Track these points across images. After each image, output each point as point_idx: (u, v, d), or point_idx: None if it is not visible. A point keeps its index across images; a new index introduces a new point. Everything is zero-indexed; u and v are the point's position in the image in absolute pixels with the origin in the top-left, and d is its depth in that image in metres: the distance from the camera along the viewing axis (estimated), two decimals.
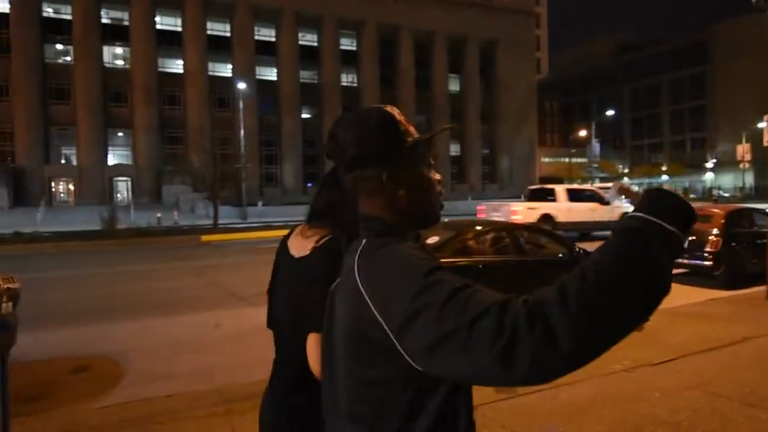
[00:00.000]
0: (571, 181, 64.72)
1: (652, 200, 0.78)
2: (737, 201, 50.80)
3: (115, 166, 39.68)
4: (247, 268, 11.87)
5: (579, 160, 60.98)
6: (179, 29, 40.88)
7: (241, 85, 33.15)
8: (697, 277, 9.16)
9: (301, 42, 44.65)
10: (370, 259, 0.94)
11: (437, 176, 1.05)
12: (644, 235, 0.74)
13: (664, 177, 69.15)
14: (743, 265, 8.64)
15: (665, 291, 0.73)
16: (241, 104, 33.38)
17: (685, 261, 8.96)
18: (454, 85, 50.94)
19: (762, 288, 7.61)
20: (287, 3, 42.55)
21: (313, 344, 1.31)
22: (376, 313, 0.86)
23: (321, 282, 1.23)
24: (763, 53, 62.43)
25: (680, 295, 8.12)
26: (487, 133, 52.11)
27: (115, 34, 39.65)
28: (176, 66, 41.31)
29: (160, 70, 40.53)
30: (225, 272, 11.24)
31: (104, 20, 39.38)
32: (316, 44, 45.53)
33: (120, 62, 40.53)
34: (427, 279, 0.82)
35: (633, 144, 77.88)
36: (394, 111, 1.04)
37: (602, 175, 67.78)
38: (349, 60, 46.34)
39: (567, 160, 60.18)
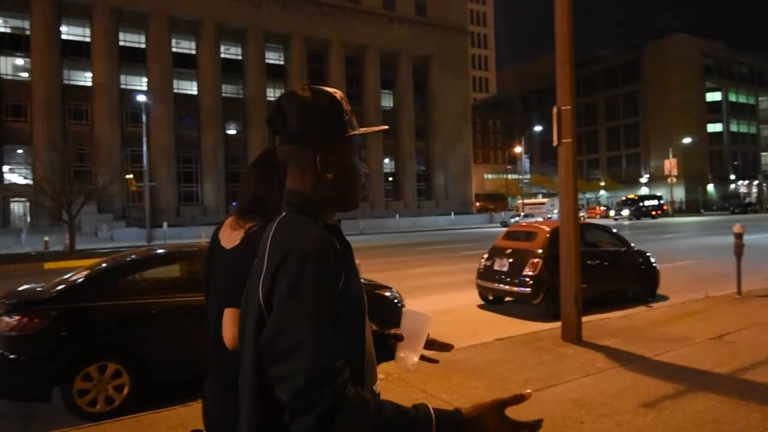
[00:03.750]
0: (510, 197, 64.78)
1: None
2: (667, 215, 51.47)
3: (10, 185, 36.42)
4: None
5: (516, 176, 61.04)
6: (87, 39, 38.30)
7: (141, 98, 30.88)
8: (527, 307, 7.77)
9: (224, 55, 42.71)
10: (284, 231, 0.99)
11: (366, 169, 1.13)
12: None
13: (602, 192, 70.23)
14: None
15: None
16: (144, 118, 31.06)
17: (506, 287, 7.56)
18: (387, 101, 49.95)
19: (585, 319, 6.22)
20: (207, 15, 40.61)
21: (227, 318, 1.39)
22: (262, 278, 0.95)
23: (244, 266, 1.28)
24: (686, 72, 64.60)
25: (483, 330, 6.67)
26: (421, 150, 51.21)
27: (15, 43, 36.74)
28: (84, 78, 38.61)
29: (66, 82, 37.75)
30: None
31: (2, 29, 36.49)
32: (240, 57, 43.70)
33: (23, 74, 37.55)
34: (310, 289, 0.90)
35: None
36: (343, 99, 1.09)
37: (543, 190, 68.27)
38: (276, 74, 44.65)
39: (505, 176, 60.15)
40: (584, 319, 6.64)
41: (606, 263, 7.88)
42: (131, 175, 38.64)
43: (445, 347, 1.30)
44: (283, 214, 1.04)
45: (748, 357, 4.71)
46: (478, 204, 64.56)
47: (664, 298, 8.53)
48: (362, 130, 1.11)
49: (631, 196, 52.46)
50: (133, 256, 4.79)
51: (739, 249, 7.46)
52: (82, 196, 22.39)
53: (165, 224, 31.31)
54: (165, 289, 4.70)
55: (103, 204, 36.78)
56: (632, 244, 8.36)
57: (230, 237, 1.55)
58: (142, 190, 35.14)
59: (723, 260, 11.17)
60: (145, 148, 31.48)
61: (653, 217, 46.76)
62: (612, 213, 48.18)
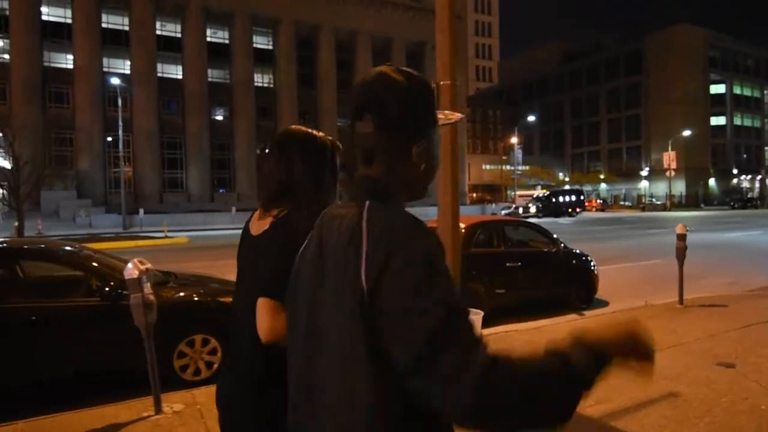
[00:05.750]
0: (508, 188, 63.59)
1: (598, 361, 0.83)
2: (665, 209, 50.36)
3: None
4: None
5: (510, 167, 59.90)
6: (68, 21, 37.37)
7: (115, 81, 30.07)
8: None
9: (210, 39, 41.70)
10: (383, 216, 0.90)
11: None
12: (575, 386, 0.81)
13: (602, 185, 68.95)
14: (482, 297, 6.37)
15: (564, 419, 0.81)
16: (119, 102, 30.23)
17: None
18: None
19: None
20: None
21: (261, 307, 1.32)
22: (363, 262, 0.85)
23: (272, 251, 1.27)
24: (690, 64, 62.86)
25: None
26: None
27: None
28: (65, 61, 37.75)
29: (46, 64, 36.91)
30: None
31: None
32: (227, 42, 42.67)
33: (5, 56, 36.72)
34: (435, 268, 0.84)
35: (574, 152, 77.60)
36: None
37: (541, 182, 67.13)
38: (264, 59, 43.63)
39: (501, 167, 59.09)
40: (489, 330, 5.78)
41: (529, 265, 6.96)
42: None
43: None
44: (368, 202, 0.93)
45: (640, 392, 3.82)
46: (474, 195, 63.53)
47: (604, 303, 7.62)
48: (442, 118, 1.04)
49: (543, 190, 45.69)
50: None
51: (681, 252, 6.53)
52: (30, 182, 21.64)
53: (141, 211, 30.59)
54: None
55: (83, 190, 36.16)
56: (562, 244, 7.40)
57: (258, 225, 1.51)
58: (122, 176, 34.49)
59: (696, 259, 10.15)
60: (120, 132, 30.72)
61: (570, 215, 40.65)
62: (520, 210, 40.63)
